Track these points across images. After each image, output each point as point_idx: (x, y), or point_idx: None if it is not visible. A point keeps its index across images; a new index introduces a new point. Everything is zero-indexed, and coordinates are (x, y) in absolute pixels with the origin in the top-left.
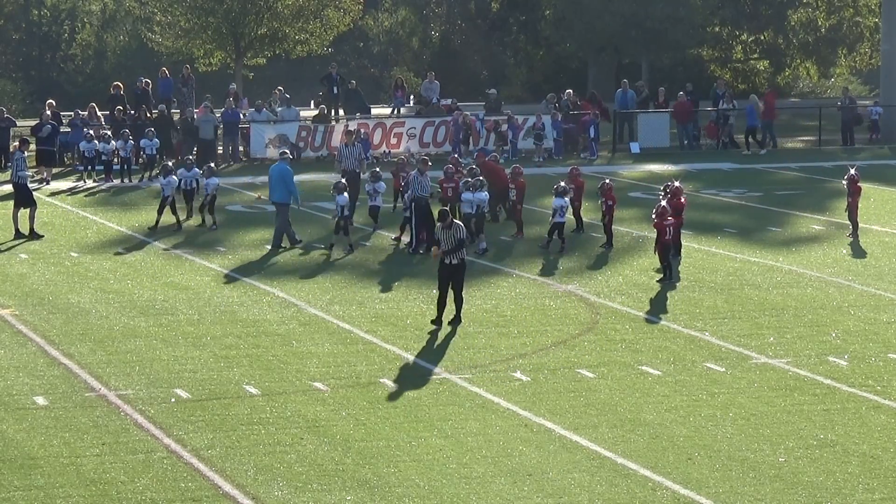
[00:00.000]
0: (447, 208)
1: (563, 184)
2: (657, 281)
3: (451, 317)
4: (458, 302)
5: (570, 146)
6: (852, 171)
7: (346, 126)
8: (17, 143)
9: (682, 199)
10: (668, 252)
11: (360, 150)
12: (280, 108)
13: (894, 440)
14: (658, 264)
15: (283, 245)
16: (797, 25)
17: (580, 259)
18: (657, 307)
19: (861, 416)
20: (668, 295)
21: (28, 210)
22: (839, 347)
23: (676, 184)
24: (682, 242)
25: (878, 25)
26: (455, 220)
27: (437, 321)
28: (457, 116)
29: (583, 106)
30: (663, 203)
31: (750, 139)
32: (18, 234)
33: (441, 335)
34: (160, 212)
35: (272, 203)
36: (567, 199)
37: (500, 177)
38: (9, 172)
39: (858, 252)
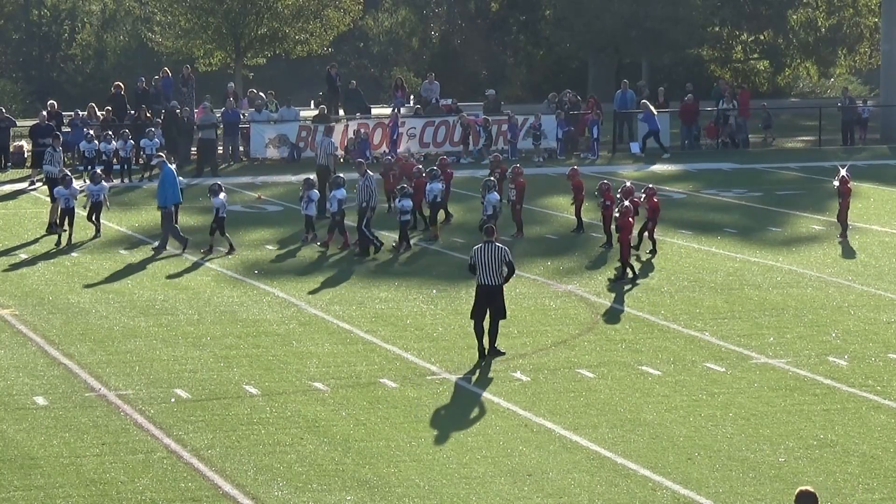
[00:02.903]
0: (491, 225)
1: (493, 179)
2: (615, 280)
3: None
4: (494, 331)
5: (570, 146)
6: (843, 172)
7: (329, 122)
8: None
9: (637, 200)
10: (630, 251)
11: (331, 144)
12: (274, 113)
13: (894, 440)
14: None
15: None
16: (797, 25)
17: (580, 259)
18: (657, 307)
19: (861, 416)
20: (668, 295)
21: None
22: (839, 347)
23: (628, 184)
24: (683, 242)
25: (878, 25)
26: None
27: (481, 353)
28: (394, 117)
29: (589, 105)
30: (626, 203)
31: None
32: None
33: (441, 336)
34: (91, 218)
35: (163, 207)
36: (496, 193)
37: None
38: (9, 172)
39: (857, 252)
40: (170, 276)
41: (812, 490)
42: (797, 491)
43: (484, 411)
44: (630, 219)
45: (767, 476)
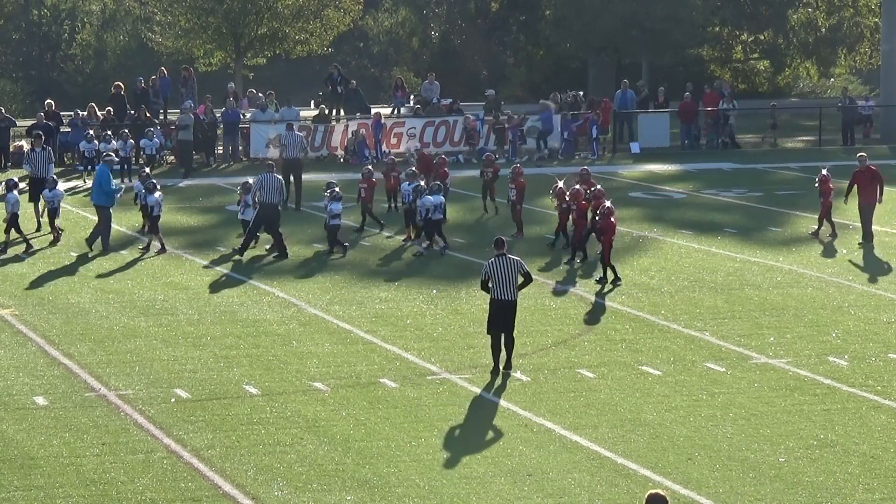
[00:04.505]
0: (502, 237)
1: (438, 182)
2: (611, 282)
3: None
4: (509, 346)
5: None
6: (824, 172)
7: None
8: (23, 142)
9: (584, 203)
10: (610, 253)
11: (298, 137)
12: (275, 113)
13: (894, 440)
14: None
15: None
16: (797, 25)
17: (580, 259)
18: (657, 307)
19: (861, 416)
20: (668, 295)
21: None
22: (839, 347)
23: (578, 187)
24: (683, 242)
25: (878, 25)
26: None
27: (495, 369)
28: (377, 118)
29: (602, 106)
30: (608, 203)
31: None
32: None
33: (441, 336)
34: (45, 224)
35: (95, 206)
36: (441, 195)
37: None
38: (9, 172)
39: (852, 252)
40: (170, 276)
41: (662, 493)
42: (646, 494)
43: (484, 411)
44: (612, 220)
45: (767, 476)
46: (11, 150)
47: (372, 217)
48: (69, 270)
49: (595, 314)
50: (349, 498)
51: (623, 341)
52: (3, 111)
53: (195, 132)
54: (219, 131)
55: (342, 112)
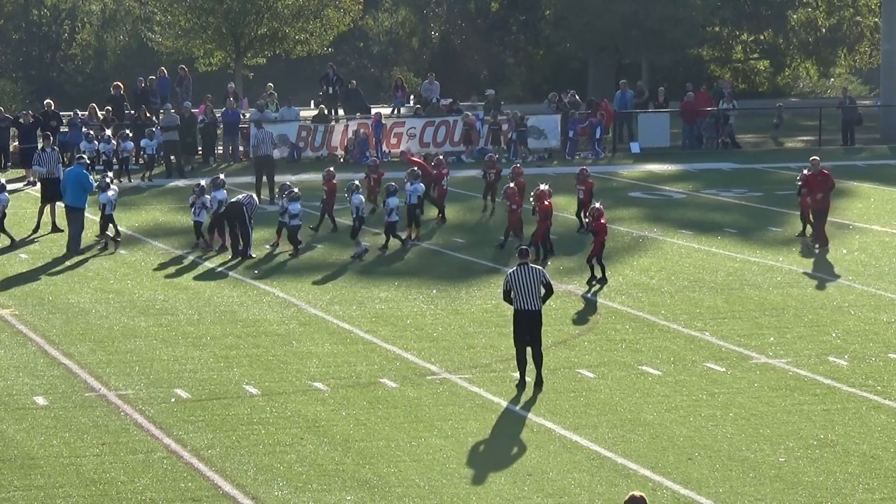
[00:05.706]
0: (527, 247)
1: (393, 183)
2: (596, 282)
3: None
4: (538, 359)
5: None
6: (805, 172)
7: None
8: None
9: (548, 203)
10: (601, 252)
11: (272, 134)
12: (274, 113)
13: (894, 440)
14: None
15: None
16: (797, 25)
17: (580, 259)
18: (657, 307)
19: (861, 416)
20: (668, 295)
21: (52, 205)
22: (839, 347)
23: (543, 187)
24: (683, 242)
25: (878, 25)
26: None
27: (521, 383)
28: (377, 117)
29: (604, 107)
30: (597, 204)
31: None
32: (55, 229)
33: (441, 336)
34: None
35: (67, 207)
36: (398, 197)
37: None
38: (8, 172)
39: (857, 252)
40: (170, 276)
41: (642, 495)
42: (628, 496)
43: (484, 411)
44: (602, 221)
45: (767, 476)
46: (11, 149)
47: (331, 218)
48: (69, 270)
49: (595, 314)
50: (349, 498)
51: (623, 341)
52: (3, 111)
53: (181, 133)
54: (219, 131)
55: (339, 112)
